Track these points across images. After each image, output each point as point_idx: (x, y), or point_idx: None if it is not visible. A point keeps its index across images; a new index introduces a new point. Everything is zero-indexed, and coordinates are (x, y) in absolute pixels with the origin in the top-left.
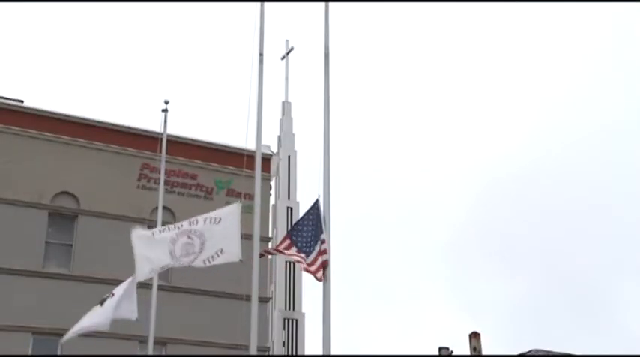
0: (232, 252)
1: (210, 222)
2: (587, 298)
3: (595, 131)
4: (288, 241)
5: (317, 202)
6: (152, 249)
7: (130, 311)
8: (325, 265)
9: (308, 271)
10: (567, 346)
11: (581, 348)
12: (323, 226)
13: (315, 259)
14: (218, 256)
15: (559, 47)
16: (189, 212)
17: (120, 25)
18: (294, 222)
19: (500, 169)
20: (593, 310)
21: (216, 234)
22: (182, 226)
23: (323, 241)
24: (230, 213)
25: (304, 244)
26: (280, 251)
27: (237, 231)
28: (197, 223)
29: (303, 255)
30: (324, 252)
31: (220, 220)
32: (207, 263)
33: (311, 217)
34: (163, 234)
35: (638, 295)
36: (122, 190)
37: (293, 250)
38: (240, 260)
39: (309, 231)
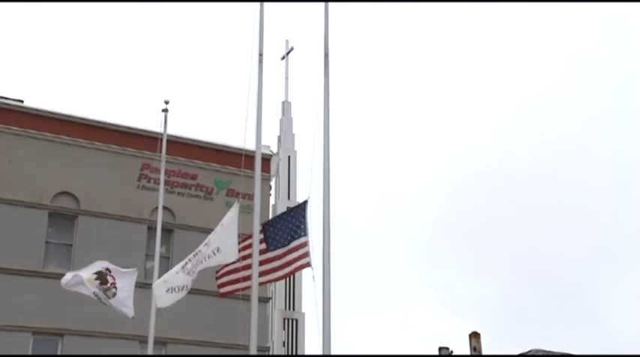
0: (228, 252)
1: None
2: (567, 293)
3: (571, 126)
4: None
5: (305, 202)
6: (168, 274)
7: (129, 308)
8: (304, 266)
9: (283, 276)
10: (554, 342)
11: (565, 343)
12: (307, 229)
13: (283, 257)
14: (214, 254)
15: (539, 44)
16: (189, 212)
17: (120, 25)
18: None
19: (481, 164)
20: (573, 305)
21: (215, 233)
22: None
23: (303, 244)
24: (229, 215)
25: (272, 239)
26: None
27: (235, 231)
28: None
29: (268, 255)
30: (305, 255)
31: (222, 224)
32: (203, 262)
33: (294, 215)
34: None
35: (617, 288)
36: (122, 190)
37: (262, 246)
38: (237, 260)
39: (283, 225)
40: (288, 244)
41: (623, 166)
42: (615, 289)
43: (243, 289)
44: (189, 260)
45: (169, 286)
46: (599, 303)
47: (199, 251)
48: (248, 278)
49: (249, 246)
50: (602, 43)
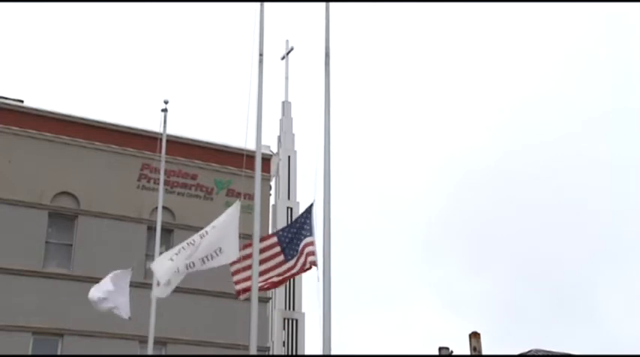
0: (230, 252)
1: (215, 225)
2: (566, 293)
3: (570, 126)
4: (276, 245)
5: (311, 206)
6: (171, 263)
7: (124, 310)
8: (312, 264)
9: (293, 275)
10: (554, 342)
11: (565, 343)
12: (312, 229)
13: (297, 262)
14: (217, 255)
15: (539, 44)
16: (189, 212)
17: (120, 25)
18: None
19: (481, 164)
20: (573, 305)
21: (215, 233)
22: (194, 241)
23: (309, 244)
24: (229, 213)
25: (289, 249)
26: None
27: (236, 231)
28: (207, 233)
29: (286, 266)
30: (311, 253)
31: (222, 220)
32: (206, 262)
33: (301, 219)
34: (180, 255)
35: (616, 288)
36: (122, 190)
37: (280, 258)
38: (238, 259)
39: (294, 234)
40: (299, 248)
41: (623, 166)
42: (615, 289)
43: (263, 288)
44: (181, 251)
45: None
46: (598, 303)
47: (198, 246)
48: (264, 273)
49: (265, 249)
50: (602, 43)
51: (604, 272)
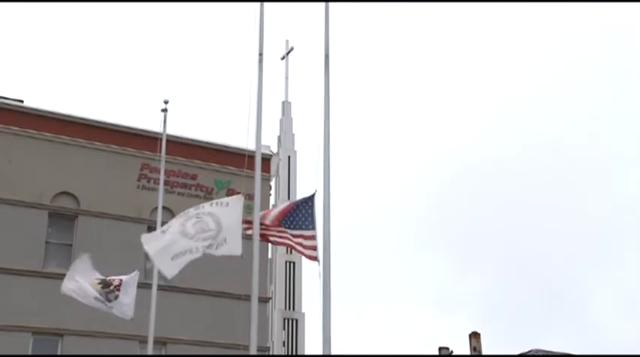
0: (234, 245)
1: (218, 205)
2: (565, 293)
3: (555, 125)
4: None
5: (313, 196)
6: (166, 242)
7: (129, 309)
8: (314, 259)
9: (302, 248)
10: (554, 342)
11: (566, 342)
12: (314, 222)
13: (293, 237)
14: (222, 245)
15: (533, 44)
16: None
17: (120, 25)
18: None
19: (474, 163)
20: (573, 305)
21: (224, 218)
22: (188, 212)
23: (310, 237)
24: (234, 202)
25: (294, 225)
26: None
27: (240, 224)
28: (203, 207)
29: (292, 233)
30: (312, 248)
31: (228, 203)
32: (211, 249)
33: (300, 203)
34: (171, 228)
35: (604, 285)
36: (122, 190)
37: (282, 228)
38: (242, 255)
39: (300, 216)
40: (297, 229)
41: (619, 166)
42: (605, 289)
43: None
44: (184, 224)
45: (173, 254)
46: (598, 303)
47: (200, 220)
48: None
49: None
50: (602, 43)
51: (599, 272)
